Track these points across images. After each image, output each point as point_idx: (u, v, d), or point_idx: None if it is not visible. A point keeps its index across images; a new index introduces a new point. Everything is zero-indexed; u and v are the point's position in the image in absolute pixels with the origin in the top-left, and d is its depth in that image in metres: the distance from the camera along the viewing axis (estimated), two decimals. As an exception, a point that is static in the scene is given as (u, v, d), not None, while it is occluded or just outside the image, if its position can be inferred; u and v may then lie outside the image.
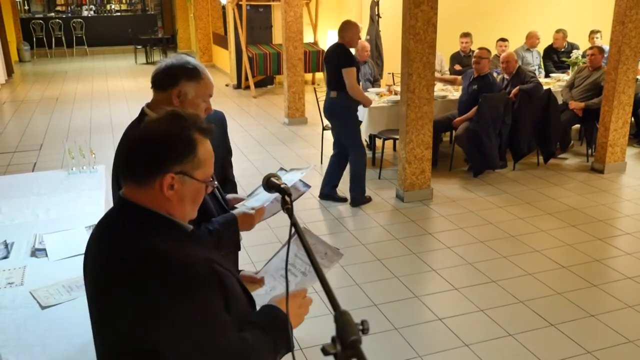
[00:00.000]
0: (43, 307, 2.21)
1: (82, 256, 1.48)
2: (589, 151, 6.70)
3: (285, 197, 1.46)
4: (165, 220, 1.38)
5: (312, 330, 3.33)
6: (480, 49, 6.22)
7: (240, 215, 2.00)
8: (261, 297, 1.67)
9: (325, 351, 0.98)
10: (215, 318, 1.33)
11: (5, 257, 2.62)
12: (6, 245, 2.72)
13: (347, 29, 5.03)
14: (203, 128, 1.40)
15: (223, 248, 1.88)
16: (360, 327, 1.01)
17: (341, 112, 5.13)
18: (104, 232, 1.42)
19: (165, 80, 1.97)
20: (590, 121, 6.68)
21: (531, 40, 8.25)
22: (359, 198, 5.34)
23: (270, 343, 1.43)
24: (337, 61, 4.99)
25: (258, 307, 1.56)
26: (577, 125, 7.22)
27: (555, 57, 8.43)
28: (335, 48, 5.14)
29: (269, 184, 1.56)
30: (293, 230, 1.38)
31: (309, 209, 5.05)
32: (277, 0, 11.08)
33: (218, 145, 2.19)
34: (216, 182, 1.45)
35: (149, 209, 1.36)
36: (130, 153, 1.39)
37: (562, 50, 8.40)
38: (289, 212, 1.39)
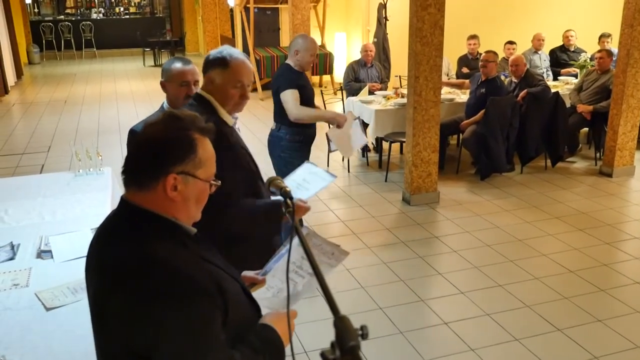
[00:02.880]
0: (48, 309, 2.22)
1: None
2: (597, 155, 6.66)
3: (287, 201, 1.45)
4: (167, 223, 1.37)
5: (317, 333, 3.32)
6: (487, 52, 6.19)
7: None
8: (269, 299, 1.66)
9: (324, 356, 0.98)
10: (205, 331, 1.29)
11: (11, 259, 2.63)
12: (12, 247, 2.73)
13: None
14: (202, 127, 1.40)
15: None
16: (360, 333, 1.01)
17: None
18: (105, 236, 1.42)
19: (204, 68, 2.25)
20: (598, 124, 6.64)
21: (534, 42, 8.23)
22: None
23: None
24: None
25: (270, 307, 1.55)
26: (586, 129, 7.18)
27: (566, 56, 8.40)
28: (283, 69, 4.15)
29: (273, 186, 1.56)
30: (294, 238, 1.37)
31: (315, 212, 5.04)
32: (284, 3, 11.10)
33: None
34: (219, 182, 1.44)
35: (151, 211, 1.36)
36: (131, 158, 1.39)
37: (573, 50, 8.37)
38: (291, 215, 1.39)
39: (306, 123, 4.03)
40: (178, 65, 2.72)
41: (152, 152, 1.34)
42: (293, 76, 3.99)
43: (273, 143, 4.17)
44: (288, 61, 4.08)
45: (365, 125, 6.55)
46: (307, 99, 4.04)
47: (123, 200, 1.40)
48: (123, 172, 1.38)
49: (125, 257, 1.31)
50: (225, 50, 2.21)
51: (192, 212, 1.41)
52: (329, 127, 5.42)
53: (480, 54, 6.77)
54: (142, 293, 1.26)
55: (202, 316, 1.29)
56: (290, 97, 3.94)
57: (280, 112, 4.04)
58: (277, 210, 2.00)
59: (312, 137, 4.18)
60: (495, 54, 6.19)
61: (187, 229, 1.42)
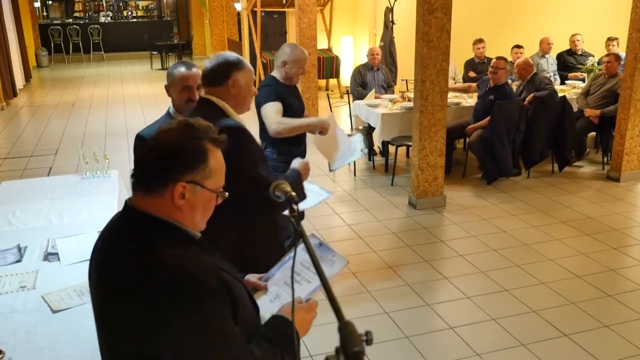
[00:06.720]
0: (54, 311, 2.23)
1: None
2: (605, 159, 6.63)
3: (293, 206, 1.45)
4: (173, 228, 1.38)
5: (322, 338, 3.32)
6: (497, 58, 6.13)
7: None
8: (266, 305, 1.66)
9: (328, 362, 0.98)
10: (222, 329, 1.31)
11: (18, 261, 2.64)
12: (19, 249, 2.74)
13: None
14: (214, 138, 1.41)
15: None
16: (364, 338, 1.01)
17: None
18: (109, 240, 1.42)
19: (221, 75, 2.22)
20: (606, 129, 6.61)
21: (543, 45, 8.21)
22: None
23: (277, 355, 1.42)
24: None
25: (262, 315, 1.55)
26: (593, 133, 7.14)
27: (573, 60, 8.37)
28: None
29: (278, 190, 1.56)
30: (298, 240, 1.37)
31: (320, 216, 5.04)
32: (291, 7, 11.13)
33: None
34: (227, 193, 1.44)
35: (156, 216, 1.36)
36: (142, 162, 1.40)
37: (580, 54, 8.35)
38: (296, 220, 1.39)
39: (292, 138, 3.51)
40: (182, 69, 2.73)
41: (163, 159, 1.35)
42: (278, 89, 3.53)
43: None
44: (274, 73, 3.60)
45: (371, 129, 6.56)
46: (292, 116, 3.53)
47: (127, 205, 1.41)
48: (132, 176, 1.40)
49: (132, 261, 1.32)
50: (226, 54, 2.29)
51: (197, 221, 1.42)
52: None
53: (487, 58, 6.75)
54: (151, 298, 1.27)
55: (215, 316, 1.30)
56: (270, 111, 3.45)
57: (264, 129, 3.56)
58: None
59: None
60: (505, 60, 6.14)
61: (191, 233, 1.43)
